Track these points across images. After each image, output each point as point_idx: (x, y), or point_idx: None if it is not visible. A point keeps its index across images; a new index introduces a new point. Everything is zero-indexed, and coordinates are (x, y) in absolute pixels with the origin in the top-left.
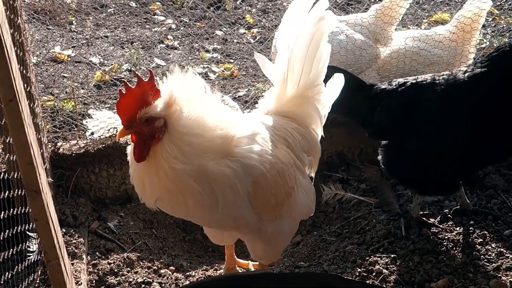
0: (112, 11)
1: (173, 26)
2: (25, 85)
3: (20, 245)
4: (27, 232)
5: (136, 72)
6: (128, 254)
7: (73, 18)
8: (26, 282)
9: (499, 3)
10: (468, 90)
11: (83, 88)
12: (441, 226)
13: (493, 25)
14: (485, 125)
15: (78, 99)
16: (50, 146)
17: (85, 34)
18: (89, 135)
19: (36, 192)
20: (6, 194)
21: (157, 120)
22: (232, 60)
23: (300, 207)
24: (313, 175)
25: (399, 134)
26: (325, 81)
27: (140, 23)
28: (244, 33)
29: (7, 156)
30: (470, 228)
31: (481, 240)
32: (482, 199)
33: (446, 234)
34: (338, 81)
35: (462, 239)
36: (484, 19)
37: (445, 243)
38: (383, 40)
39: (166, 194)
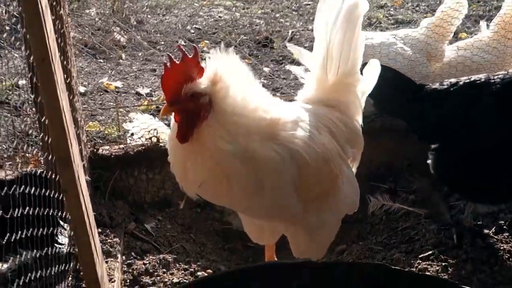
0: (161, 48)
1: None
2: (65, 75)
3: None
4: (60, 221)
5: (181, 47)
6: (164, 256)
7: (123, 54)
8: (58, 270)
9: None
10: None
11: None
12: (496, 237)
13: None
14: None
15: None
16: (89, 146)
17: (133, 68)
18: (129, 136)
19: (67, 160)
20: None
21: (202, 97)
22: (278, 94)
23: (344, 198)
24: (354, 169)
25: (451, 135)
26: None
27: None
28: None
29: (45, 155)
30: None
31: None
32: None
33: (502, 245)
34: (375, 68)
35: None
36: None
37: (500, 253)
38: (436, 56)
39: (210, 178)
